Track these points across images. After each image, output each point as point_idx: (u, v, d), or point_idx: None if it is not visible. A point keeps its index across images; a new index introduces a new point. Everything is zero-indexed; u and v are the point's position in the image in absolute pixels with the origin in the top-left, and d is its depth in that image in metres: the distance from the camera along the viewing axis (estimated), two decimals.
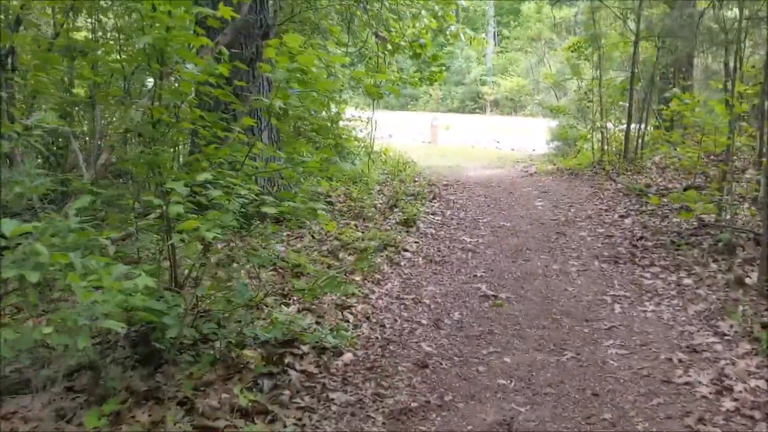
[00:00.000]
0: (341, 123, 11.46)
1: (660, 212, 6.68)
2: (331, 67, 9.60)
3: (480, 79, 36.57)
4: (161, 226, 3.34)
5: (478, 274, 5.12)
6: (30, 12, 5.43)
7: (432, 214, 7.27)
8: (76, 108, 5.78)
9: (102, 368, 3.12)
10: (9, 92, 4.81)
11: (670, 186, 7.79)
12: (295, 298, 4.25)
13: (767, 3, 7.19)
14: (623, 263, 5.28)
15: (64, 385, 2.99)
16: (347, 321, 4.03)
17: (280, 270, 4.75)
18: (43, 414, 2.72)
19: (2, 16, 5.14)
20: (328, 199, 7.06)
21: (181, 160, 4.81)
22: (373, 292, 4.58)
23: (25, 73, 5.03)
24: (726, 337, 3.78)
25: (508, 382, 3.34)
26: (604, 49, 11.07)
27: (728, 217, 5.67)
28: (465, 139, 20.36)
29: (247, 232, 4.64)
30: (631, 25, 10.56)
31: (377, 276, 4.88)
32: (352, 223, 6.25)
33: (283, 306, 4.13)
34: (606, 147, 11.05)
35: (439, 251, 5.78)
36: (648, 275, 4.94)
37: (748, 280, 4.51)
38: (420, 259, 5.51)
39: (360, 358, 3.57)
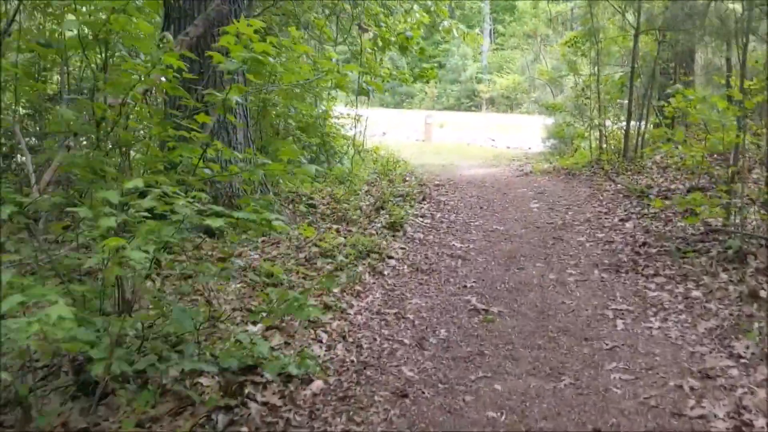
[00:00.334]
0: (332, 120, 11.06)
1: (663, 215, 6.29)
2: (319, 63, 9.22)
3: (476, 77, 36.20)
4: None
5: (468, 285, 4.71)
6: None
7: (421, 217, 6.86)
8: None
9: (32, 403, 2.71)
10: None
11: (672, 187, 7.40)
12: (264, 314, 3.83)
13: None
14: (625, 272, 4.88)
15: None
16: (320, 341, 3.62)
17: (250, 282, 4.34)
18: None
19: None
20: (310, 201, 6.64)
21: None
22: (352, 306, 4.17)
23: None
24: (742, 360, 3.38)
25: (499, 414, 2.94)
26: (602, 44, 10.67)
27: (737, 221, 5.28)
28: (460, 136, 19.97)
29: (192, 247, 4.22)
30: (630, 18, 10.16)
31: (357, 287, 4.47)
32: (335, 227, 5.84)
33: (250, 325, 3.72)
34: (604, 145, 10.66)
35: (426, 258, 5.37)
36: (652, 286, 4.54)
37: (762, 293, 4.11)
38: (405, 267, 5.10)
39: (332, 386, 3.16)
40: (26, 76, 4.68)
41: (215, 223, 2.25)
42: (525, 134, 19.32)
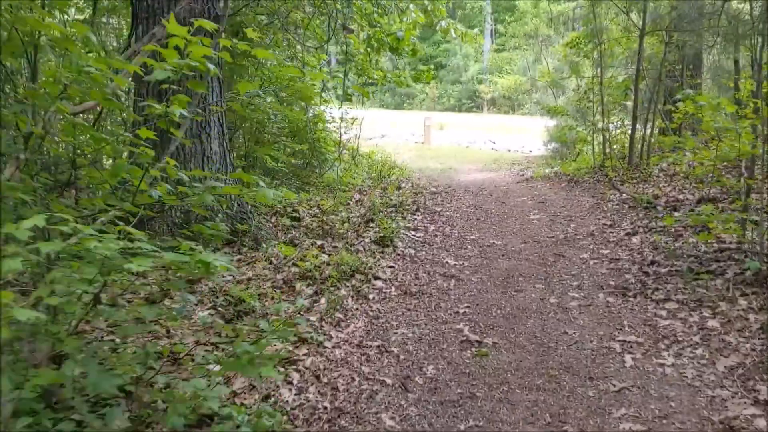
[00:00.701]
0: (326, 125, 10.66)
1: (672, 229, 5.86)
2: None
3: (477, 78, 35.79)
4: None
5: (461, 311, 4.28)
6: None
7: (413, 230, 6.43)
8: None
9: None
10: None
11: (681, 197, 6.97)
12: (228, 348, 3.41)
13: None
14: (633, 296, 4.46)
15: None
16: (291, 382, 3.20)
17: (218, 310, 3.92)
18: None
19: None
20: (294, 214, 6.22)
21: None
22: (330, 338, 3.75)
23: None
24: None
25: None
26: (605, 45, 10.24)
27: (754, 238, 4.85)
28: (459, 139, 19.56)
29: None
30: (635, 18, 9.73)
31: (338, 315, 4.05)
32: (319, 243, 5.41)
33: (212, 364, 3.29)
34: (608, 150, 10.24)
35: (416, 279, 4.95)
36: (664, 313, 4.11)
37: None
38: (393, 289, 4.67)
39: None
40: None
41: (139, 266, 1.83)
42: (526, 136, 18.91)
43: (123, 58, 3.24)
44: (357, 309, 4.20)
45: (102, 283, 2.04)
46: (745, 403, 3.02)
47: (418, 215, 7.14)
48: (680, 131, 9.51)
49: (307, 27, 7.54)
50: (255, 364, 2.14)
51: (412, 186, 9.70)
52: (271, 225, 5.80)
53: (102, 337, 3.00)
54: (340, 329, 3.88)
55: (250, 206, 5.39)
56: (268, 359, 2.19)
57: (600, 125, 10.27)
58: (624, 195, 7.53)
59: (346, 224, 6.20)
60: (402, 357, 3.60)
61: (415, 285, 4.79)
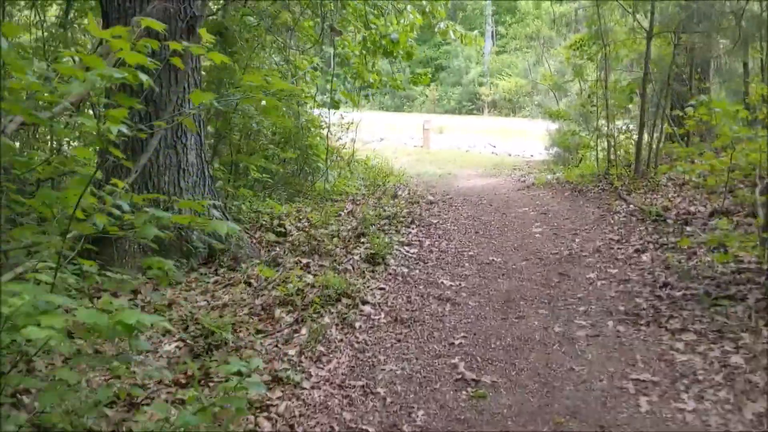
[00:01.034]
0: (322, 130, 10.29)
1: (686, 246, 5.45)
2: (301, 70, 8.40)
3: (477, 80, 35.41)
4: None
5: (456, 342, 3.89)
6: None
7: (407, 245, 6.04)
8: None
9: None
10: None
11: (692, 209, 6.58)
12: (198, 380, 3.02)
13: None
14: (645, 324, 4.06)
15: None
16: None
17: (187, 343, 3.53)
18: None
19: None
20: (280, 229, 5.82)
21: None
22: (309, 376, 3.36)
23: None
24: None
25: None
26: (610, 47, 9.84)
27: None
28: (459, 142, 19.17)
29: None
30: (642, 19, 9.34)
31: (319, 348, 3.66)
32: (305, 261, 5.02)
33: (175, 405, 2.91)
34: (612, 157, 9.84)
35: (408, 303, 4.55)
36: (681, 346, 3.71)
37: None
38: (383, 315, 4.28)
39: None
40: None
41: (45, 326, 1.45)
42: (527, 140, 18.52)
43: None
44: (341, 340, 3.80)
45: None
46: None
47: (413, 228, 6.75)
48: (689, 138, 9.12)
49: (296, 27, 7.14)
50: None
51: (409, 194, 9.31)
52: (254, 241, 5.41)
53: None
54: (321, 365, 3.49)
55: (230, 221, 5.00)
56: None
57: (604, 130, 9.88)
58: (631, 206, 7.13)
59: (336, 239, 5.81)
60: (389, 400, 3.20)
61: (407, 310, 4.39)
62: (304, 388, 3.24)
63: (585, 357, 3.67)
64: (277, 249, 5.32)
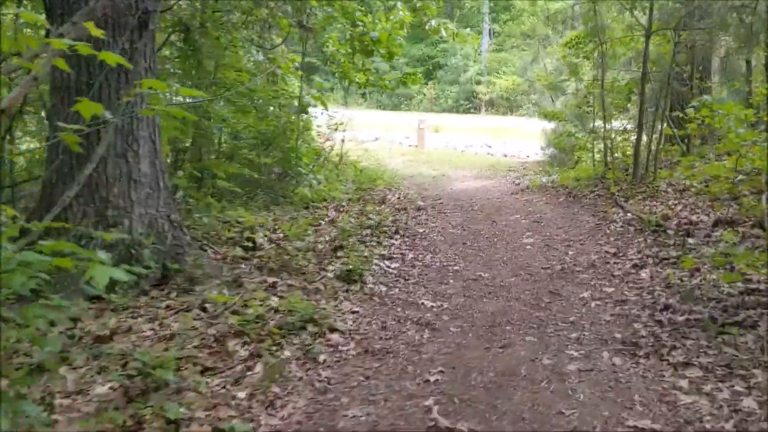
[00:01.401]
0: (313, 132, 9.88)
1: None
2: (281, 69, 7.95)
3: (474, 78, 34.96)
4: None
5: (432, 378, 3.45)
6: None
7: (388, 259, 5.61)
8: None
9: None
10: None
11: (694, 219, 6.14)
12: None
13: None
14: (645, 356, 3.63)
15: None
16: None
17: (123, 383, 3.09)
18: None
19: None
20: (248, 243, 5.38)
21: None
22: (258, 425, 2.92)
23: None
24: None
25: None
26: (606, 45, 9.41)
27: None
28: (455, 142, 18.76)
29: None
30: (639, 16, 8.91)
31: (274, 389, 3.22)
32: (270, 281, 4.58)
33: None
34: (609, 159, 9.41)
35: (383, 329, 4.12)
36: (684, 385, 3.28)
37: None
38: (352, 345, 3.83)
39: None
40: None
41: None
42: (523, 140, 18.12)
43: None
44: (301, 378, 3.36)
45: None
46: None
47: (396, 239, 6.32)
48: (689, 140, 8.70)
49: (272, 23, 6.69)
50: None
51: (398, 198, 8.90)
52: (218, 257, 4.97)
53: None
54: (274, 411, 3.05)
55: (188, 237, 4.57)
56: None
57: (601, 131, 9.46)
58: (629, 214, 6.70)
59: (310, 252, 5.37)
60: None
61: (381, 339, 3.95)
62: None
63: (576, 397, 3.23)
64: (243, 266, 4.88)
